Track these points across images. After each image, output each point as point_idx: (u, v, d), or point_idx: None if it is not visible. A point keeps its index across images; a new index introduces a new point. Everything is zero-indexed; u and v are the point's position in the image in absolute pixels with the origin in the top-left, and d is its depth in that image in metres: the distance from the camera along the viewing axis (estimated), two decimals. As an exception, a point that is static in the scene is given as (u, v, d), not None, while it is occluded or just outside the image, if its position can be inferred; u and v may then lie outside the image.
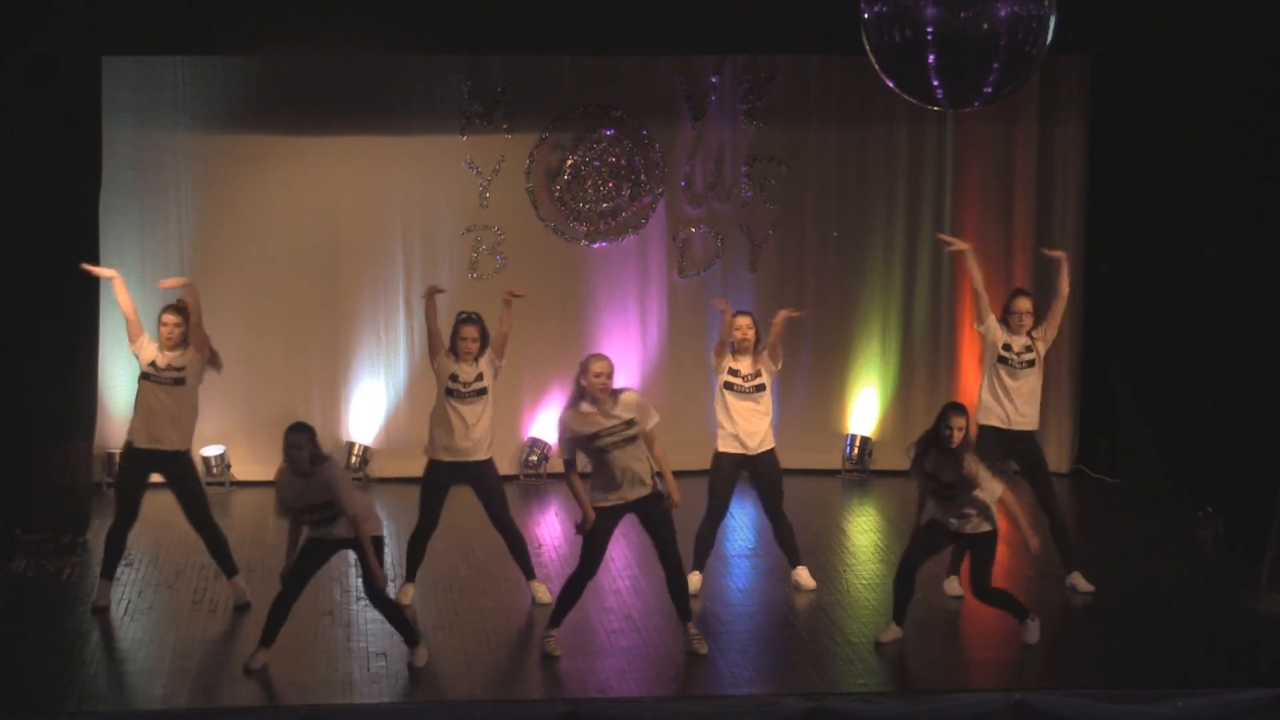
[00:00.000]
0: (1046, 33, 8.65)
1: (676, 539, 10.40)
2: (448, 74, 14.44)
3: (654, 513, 10.31)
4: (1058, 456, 15.06)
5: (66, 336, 12.83)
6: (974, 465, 10.47)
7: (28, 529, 12.67)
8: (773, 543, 11.90)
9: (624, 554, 12.27)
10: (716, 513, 11.63)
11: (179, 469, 11.29)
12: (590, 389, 10.18)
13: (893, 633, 10.71)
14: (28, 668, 10.08)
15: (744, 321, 11.60)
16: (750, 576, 12.07)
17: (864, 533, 13.52)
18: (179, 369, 11.19)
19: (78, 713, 9.44)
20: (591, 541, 10.30)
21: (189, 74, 14.13)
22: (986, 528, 10.55)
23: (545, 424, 14.78)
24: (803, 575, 11.74)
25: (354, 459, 14.55)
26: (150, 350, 11.27)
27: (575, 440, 10.22)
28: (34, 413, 12.70)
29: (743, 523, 13.27)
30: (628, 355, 14.73)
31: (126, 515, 11.26)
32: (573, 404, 10.26)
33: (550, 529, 13.31)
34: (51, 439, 12.80)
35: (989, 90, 8.71)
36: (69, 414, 12.88)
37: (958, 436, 10.47)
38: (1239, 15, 12.52)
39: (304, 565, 10.18)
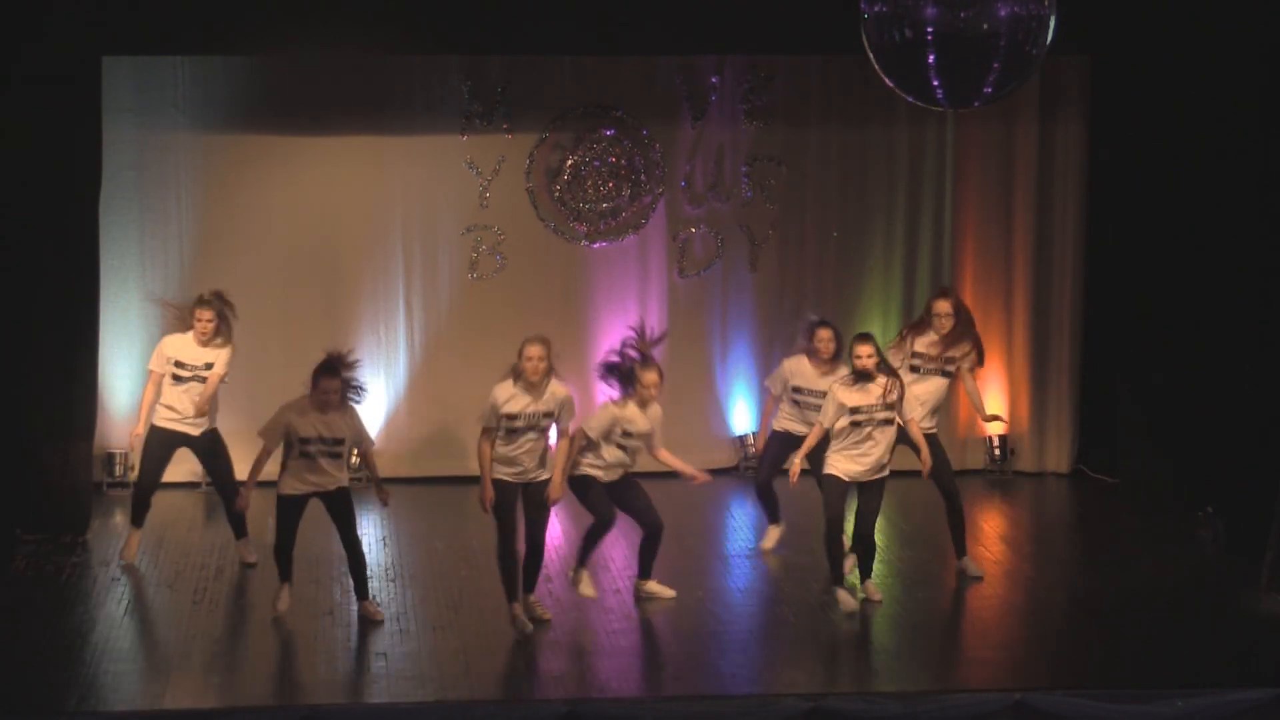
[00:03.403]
0: (1046, 33, 8.66)
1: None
2: (448, 74, 14.44)
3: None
4: (1058, 456, 15.07)
5: (66, 336, 12.82)
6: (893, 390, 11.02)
7: (28, 529, 12.66)
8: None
9: (624, 554, 12.26)
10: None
11: (207, 443, 12.15)
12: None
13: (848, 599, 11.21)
14: (28, 668, 10.08)
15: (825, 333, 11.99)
16: (750, 576, 12.07)
17: (864, 533, 13.50)
18: (208, 365, 12.03)
19: (78, 713, 9.44)
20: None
21: (189, 74, 14.13)
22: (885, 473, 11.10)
23: (545, 424, 14.78)
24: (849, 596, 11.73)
25: (354, 459, 14.51)
26: (176, 350, 12.08)
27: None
28: (34, 413, 12.70)
29: (743, 523, 13.27)
30: (627, 355, 14.73)
31: (149, 482, 12.11)
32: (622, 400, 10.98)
33: (550, 529, 13.27)
34: (51, 439, 12.79)
35: (989, 90, 8.72)
36: (69, 414, 12.87)
37: (868, 363, 10.99)
38: (1239, 16, 12.52)
39: (292, 520, 10.85)
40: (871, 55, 8.87)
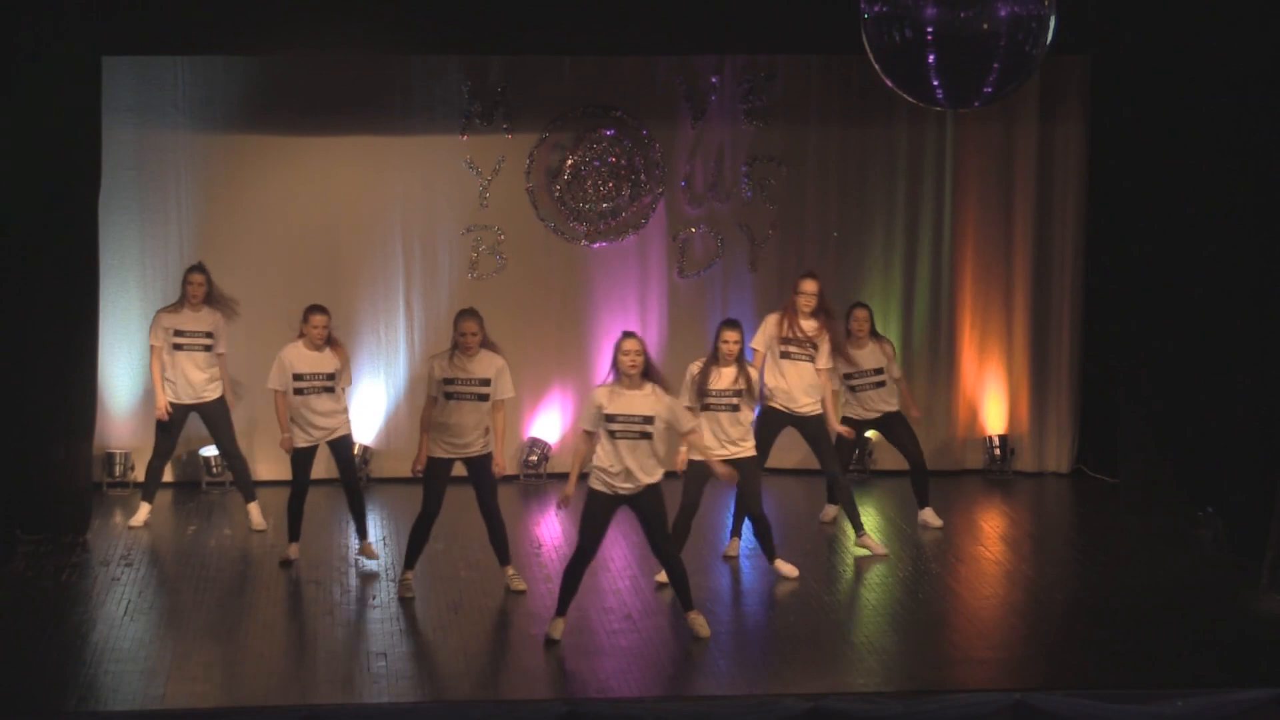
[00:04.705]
0: (1046, 33, 8.66)
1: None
2: (448, 74, 14.44)
3: (644, 505, 10.61)
4: (1058, 456, 15.08)
5: (66, 336, 12.82)
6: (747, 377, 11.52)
7: (28, 529, 12.66)
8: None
9: (624, 554, 12.28)
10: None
11: (215, 411, 13.01)
12: (620, 367, 10.64)
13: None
14: (28, 668, 10.08)
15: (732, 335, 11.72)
16: (750, 576, 12.07)
17: (864, 533, 13.51)
18: (208, 334, 12.96)
19: (78, 713, 9.44)
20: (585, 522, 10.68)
21: (189, 74, 14.14)
22: (751, 451, 11.54)
23: (545, 424, 14.79)
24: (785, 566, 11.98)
25: (354, 458, 14.52)
26: (173, 321, 12.97)
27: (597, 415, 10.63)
28: (34, 413, 12.70)
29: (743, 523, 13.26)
30: (628, 355, 14.72)
31: (165, 450, 13.03)
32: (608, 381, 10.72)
33: (550, 529, 13.31)
34: (51, 439, 12.79)
35: (989, 90, 8.72)
36: (69, 414, 12.87)
37: (732, 350, 11.46)
38: (1239, 16, 12.52)
39: (306, 465, 12.15)
40: (871, 55, 8.87)
